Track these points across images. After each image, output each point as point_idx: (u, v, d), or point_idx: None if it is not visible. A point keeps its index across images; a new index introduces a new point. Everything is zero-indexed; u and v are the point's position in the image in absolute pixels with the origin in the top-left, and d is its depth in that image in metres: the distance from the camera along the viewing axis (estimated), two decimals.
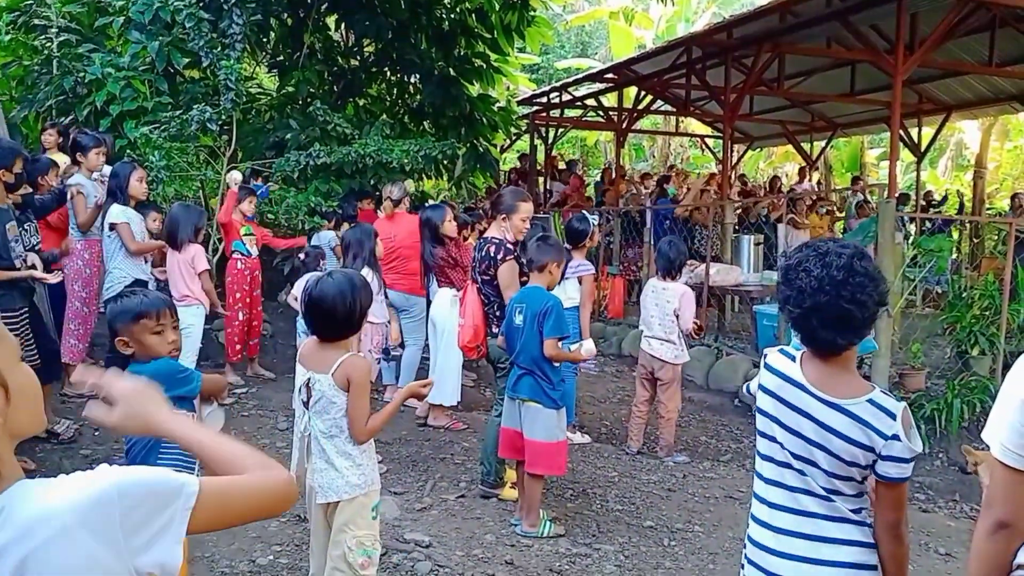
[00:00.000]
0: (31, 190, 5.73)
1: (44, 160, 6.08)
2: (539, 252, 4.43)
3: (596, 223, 6.26)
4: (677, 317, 5.84)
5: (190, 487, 1.20)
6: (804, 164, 16.43)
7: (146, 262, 5.80)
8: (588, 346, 4.57)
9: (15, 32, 8.75)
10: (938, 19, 8.93)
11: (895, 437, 1.92)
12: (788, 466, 2.06)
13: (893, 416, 1.93)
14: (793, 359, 2.09)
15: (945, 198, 15.69)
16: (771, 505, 2.10)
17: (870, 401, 1.96)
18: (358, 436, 2.96)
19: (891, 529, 1.99)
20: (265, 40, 10.75)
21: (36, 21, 8.40)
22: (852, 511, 2.02)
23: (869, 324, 1.97)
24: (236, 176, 6.92)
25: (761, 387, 2.12)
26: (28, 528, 1.09)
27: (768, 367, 2.13)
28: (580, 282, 5.94)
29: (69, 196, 5.78)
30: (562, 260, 4.48)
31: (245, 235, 6.84)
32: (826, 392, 2.00)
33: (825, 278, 1.93)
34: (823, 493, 2.01)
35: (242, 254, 6.82)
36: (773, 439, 2.09)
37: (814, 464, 2.01)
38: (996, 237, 11.49)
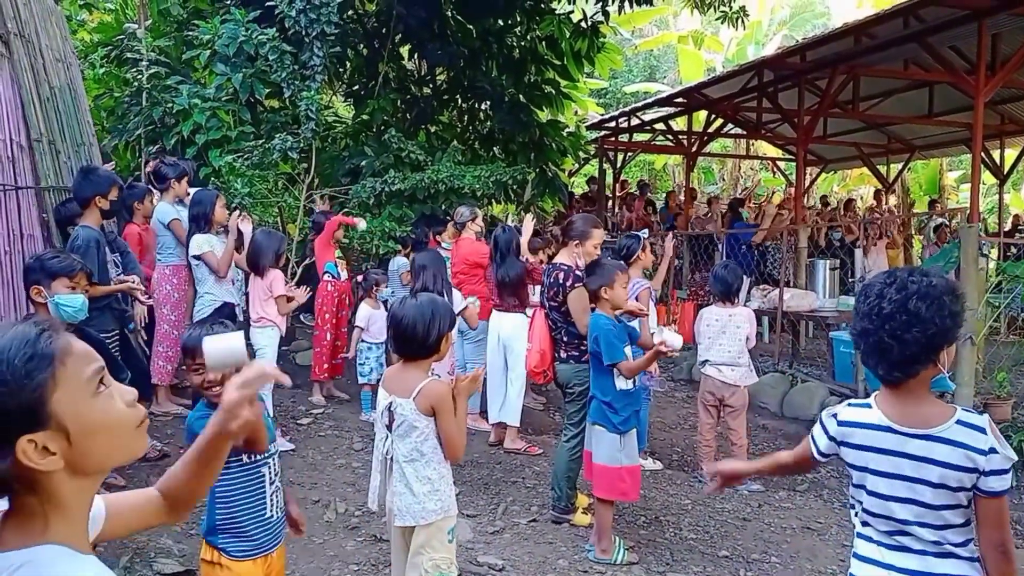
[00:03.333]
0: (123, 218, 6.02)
1: (140, 187, 6.36)
2: (590, 282, 4.50)
3: (645, 238, 6.22)
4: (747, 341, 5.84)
5: None
6: (880, 187, 16.05)
7: (233, 284, 5.99)
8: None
9: (108, 65, 9.21)
10: (1021, 39, 8.70)
11: (992, 450, 1.92)
12: (892, 508, 2.04)
13: (983, 431, 1.94)
14: (867, 406, 2.09)
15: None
16: (879, 544, 2.09)
17: (959, 422, 1.96)
18: (456, 455, 3.05)
19: (998, 547, 1.97)
20: (342, 70, 11.07)
21: (128, 55, 8.81)
22: (960, 544, 2.00)
23: (912, 363, 1.96)
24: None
25: (846, 444, 2.11)
26: None
27: (844, 424, 2.12)
28: (638, 300, 5.94)
29: (167, 225, 6.02)
30: (610, 280, 4.43)
31: (339, 258, 7.08)
32: (913, 426, 2.00)
33: (876, 307, 1.96)
34: (933, 528, 1.99)
35: (333, 276, 7.06)
36: (875, 494, 2.07)
37: (919, 503, 2.00)
38: None
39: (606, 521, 4.38)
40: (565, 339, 4.92)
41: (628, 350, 4.36)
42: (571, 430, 4.83)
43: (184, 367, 2.70)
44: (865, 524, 2.12)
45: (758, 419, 7.60)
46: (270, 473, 2.69)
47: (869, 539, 2.11)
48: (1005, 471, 1.93)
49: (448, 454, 3.06)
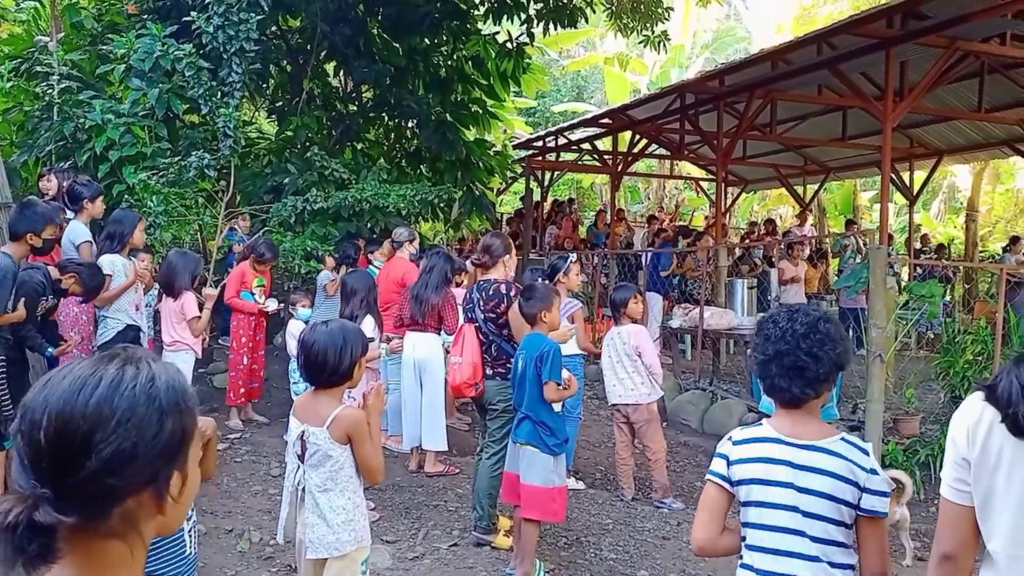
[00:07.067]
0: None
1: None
2: (528, 306, 4.48)
3: (572, 260, 6.28)
4: (640, 357, 5.90)
5: None
6: (802, 208, 16.55)
7: (137, 310, 5.78)
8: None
9: (17, 79, 8.87)
10: (927, 67, 9.09)
11: (873, 471, 2.05)
12: (777, 517, 2.11)
13: (866, 452, 2.08)
14: (759, 424, 2.21)
15: (942, 247, 15.63)
16: (761, 550, 2.14)
17: (843, 439, 2.10)
18: (375, 479, 3.06)
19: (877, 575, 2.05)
20: (264, 86, 10.90)
21: (38, 68, 8.53)
22: (841, 566, 2.05)
23: (823, 380, 2.10)
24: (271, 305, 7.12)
25: (736, 462, 2.18)
26: None
27: (737, 443, 2.21)
28: (572, 320, 6.00)
29: (77, 246, 5.76)
30: (549, 304, 4.47)
31: (257, 286, 6.92)
32: (801, 438, 2.11)
33: (788, 330, 2.11)
34: (812, 539, 2.06)
35: (252, 301, 6.91)
36: (762, 504, 2.13)
37: (803, 512, 2.06)
38: (989, 280, 11.56)
39: (531, 543, 4.34)
40: (494, 354, 4.89)
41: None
42: (492, 447, 4.80)
43: None
44: (749, 535, 2.18)
45: (679, 436, 7.71)
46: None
47: (753, 547, 2.17)
48: (885, 494, 2.04)
49: (367, 479, 3.04)
